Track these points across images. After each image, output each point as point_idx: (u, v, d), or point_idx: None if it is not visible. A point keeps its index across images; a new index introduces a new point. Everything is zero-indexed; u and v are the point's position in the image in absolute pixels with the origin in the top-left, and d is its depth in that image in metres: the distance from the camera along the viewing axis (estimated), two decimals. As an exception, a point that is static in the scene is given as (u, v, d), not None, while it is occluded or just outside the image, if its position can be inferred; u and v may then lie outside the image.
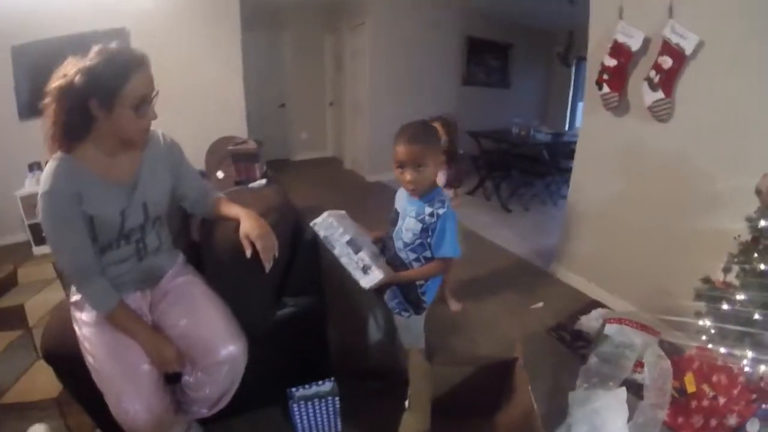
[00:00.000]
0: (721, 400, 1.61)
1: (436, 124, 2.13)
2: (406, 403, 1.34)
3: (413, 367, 1.45)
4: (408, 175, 1.46)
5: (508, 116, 5.86)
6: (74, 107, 1.18)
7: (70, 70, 1.18)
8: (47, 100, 1.20)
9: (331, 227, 1.45)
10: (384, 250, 1.69)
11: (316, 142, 7.44)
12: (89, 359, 1.35)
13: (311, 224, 1.48)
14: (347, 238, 1.46)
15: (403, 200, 1.61)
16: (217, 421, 1.68)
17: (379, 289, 1.67)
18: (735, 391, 1.59)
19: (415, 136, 1.46)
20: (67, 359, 1.45)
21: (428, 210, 1.49)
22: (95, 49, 1.20)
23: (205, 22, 4.46)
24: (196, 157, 2.90)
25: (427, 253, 1.55)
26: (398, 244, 1.59)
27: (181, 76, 4.39)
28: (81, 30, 3.58)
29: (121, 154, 1.33)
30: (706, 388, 1.66)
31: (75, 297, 1.42)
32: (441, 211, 1.49)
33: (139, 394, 1.32)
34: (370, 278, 1.46)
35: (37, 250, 3.62)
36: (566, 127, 6.33)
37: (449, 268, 1.59)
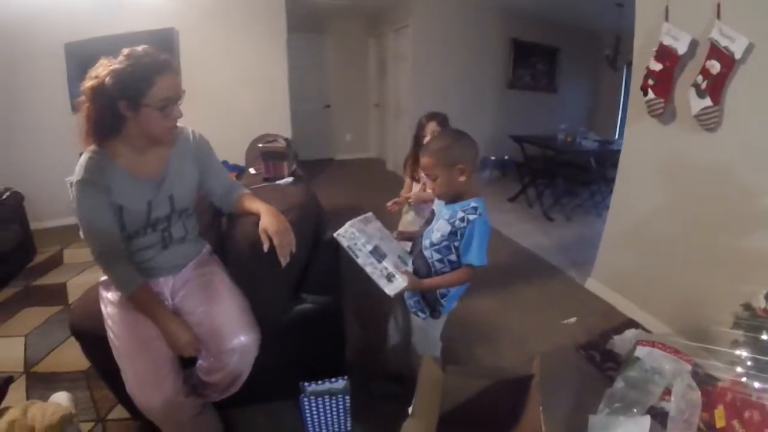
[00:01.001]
0: None
1: (431, 123, 2.27)
2: (410, 409, 1.32)
3: (423, 374, 1.42)
4: (429, 184, 1.60)
5: (555, 122, 5.66)
6: (105, 107, 1.26)
7: (101, 71, 1.26)
8: (82, 98, 1.29)
9: (353, 237, 1.47)
10: (413, 247, 1.72)
11: (359, 143, 7.53)
12: (111, 336, 1.44)
13: (334, 235, 1.50)
14: (370, 247, 1.48)
15: (440, 203, 1.64)
16: (233, 407, 1.75)
17: None
18: (767, 431, 1.46)
19: (426, 148, 1.57)
20: (92, 335, 1.54)
21: (460, 214, 1.51)
22: (124, 52, 1.28)
23: (251, 23, 4.59)
24: (241, 152, 3.00)
25: (452, 257, 1.55)
26: (425, 243, 1.61)
27: (228, 75, 4.58)
28: (131, 29, 3.77)
29: (150, 150, 1.42)
30: (736, 424, 1.53)
31: (104, 277, 1.52)
32: (471, 217, 1.49)
33: (153, 373, 1.38)
34: (394, 286, 1.49)
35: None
36: (616, 135, 6.07)
37: (473, 277, 1.57)
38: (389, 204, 2.27)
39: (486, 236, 1.50)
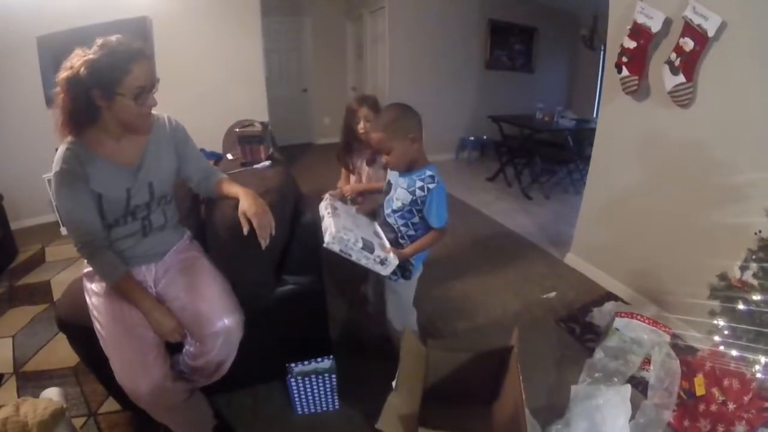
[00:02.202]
0: (731, 406, 1.54)
1: (363, 108, 2.14)
2: (394, 383, 1.35)
3: (405, 349, 1.46)
4: (383, 158, 1.63)
5: (533, 102, 5.71)
6: (80, 97, 1.26)
7: (76, 62, 1.25)
8: (57, 89, 1.28)
9: (342, 241, 1.50)
10: (376, 216, 1.82)
11: (338, 127, 7.46)
12: (97, 326, 1.45)
13: (324, 245, 1.52)
14: (360, 244, 1.52)
15: (395, 173, 1.71)
16: (220, 392, 1.79)
17: None
18: (746, 398, 1.52)
19: (375, 125, 1.62)
20: (79, 327, 1.55)
21: (419, 184, 1.60)
22: (98, 42, 1.27)
23: (225, 8, 4.50)
24: (218, 139, 2.97)
25: (414, 219, 1.67)
26: (387, 211, 1.71)
27: (203, 62, 4.51)
28: (104, 20, 3.67)
29: (126, 138, 1.41)
30: (716, 392, 1.59)
31: (87, 268, 1.53)
32: (431, 186, 1.59)
33: (140, 360, 1.39)
34: (388, 268, 1.58)
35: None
36: (594, 114, 6.13)
37: (443, 237, 1.70)
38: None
39: (444, 199, 1.62)
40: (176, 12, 4.23)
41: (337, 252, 1.52)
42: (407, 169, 1.64)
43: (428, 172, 1.60)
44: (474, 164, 6.17)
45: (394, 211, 1.68)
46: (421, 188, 1.59)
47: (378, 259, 1.55)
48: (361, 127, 2.14)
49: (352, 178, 2.36)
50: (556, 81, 7.14)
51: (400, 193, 1.64)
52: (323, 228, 1.59)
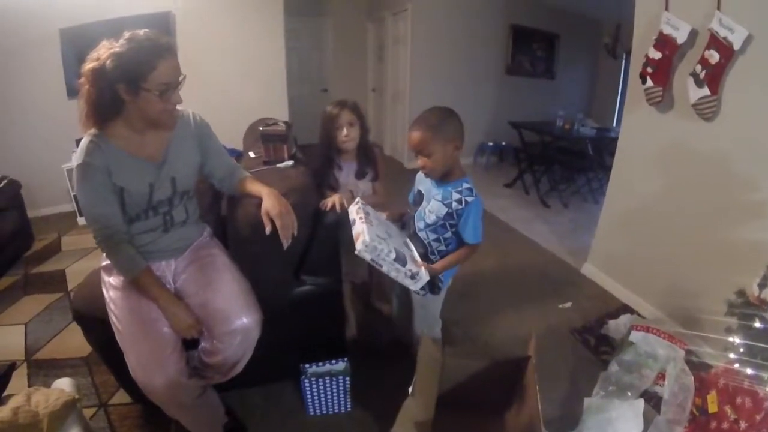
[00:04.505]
0: (743, 425, 1.49)
1: (345, 112, 1.90)
2: (410, 389, 1.35)
3: (422, 355, 1.45)
4: (420, 161, 1.54)
5: (553, 108, 5.65)
6: (105, 90, 1.25)
7: (102, 53, 1.25)
8: (82, 80, 1.28)
9: (375, 250, 1.44)
10: (404, 227, 1.74)
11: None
12: (113, 319, 1.45)
13: (356, 252, 1.45)
14: (393, 255, 1.46)
15: (428, 182, 1.64)
16: (232, 390, 1.78)
17: None
18: (758, 417, 1.46)
19: (419, 124, 1.51)
20: (94, 320, 1.56)
21: (456, 196, 1.53)
22: (126, 35, 1.26)
23: (248, 7, 4.56)
24: (237, 137, 2.99)
25: (447, 234, 1.60)
26: (419, 225, 1.64)
27: (225, 59, 4.56)
28: (127, 14, 3.74)
29: (150, 133, 1.41)
30: (728, 409, 1.55)
31: (105, 262, 1.53)
32: (470, 199, 1.53)
33: (156, 355, 1.39)
34: (418, 283, 1.53)
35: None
36: (614, 123, 6.05)
37: (474, 253, 1.63)
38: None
39: (481, 214, 1.55)
40: (200, 9, 4.29)
41: (368, 261, 1.46)
42: (441, 178, 1.57)
43: (465, 185, 1.54)
44: (492, 169, 6.13)
45: (427, 225, 1.60)
46: (459, 201, 1.52)
47: (409, 273, 1.48)
48: (345, 134, 1.89)
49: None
50: (577, 88, 7.08)
51: (434, 205, 1.57)
52: (354, 234, 1.50)
